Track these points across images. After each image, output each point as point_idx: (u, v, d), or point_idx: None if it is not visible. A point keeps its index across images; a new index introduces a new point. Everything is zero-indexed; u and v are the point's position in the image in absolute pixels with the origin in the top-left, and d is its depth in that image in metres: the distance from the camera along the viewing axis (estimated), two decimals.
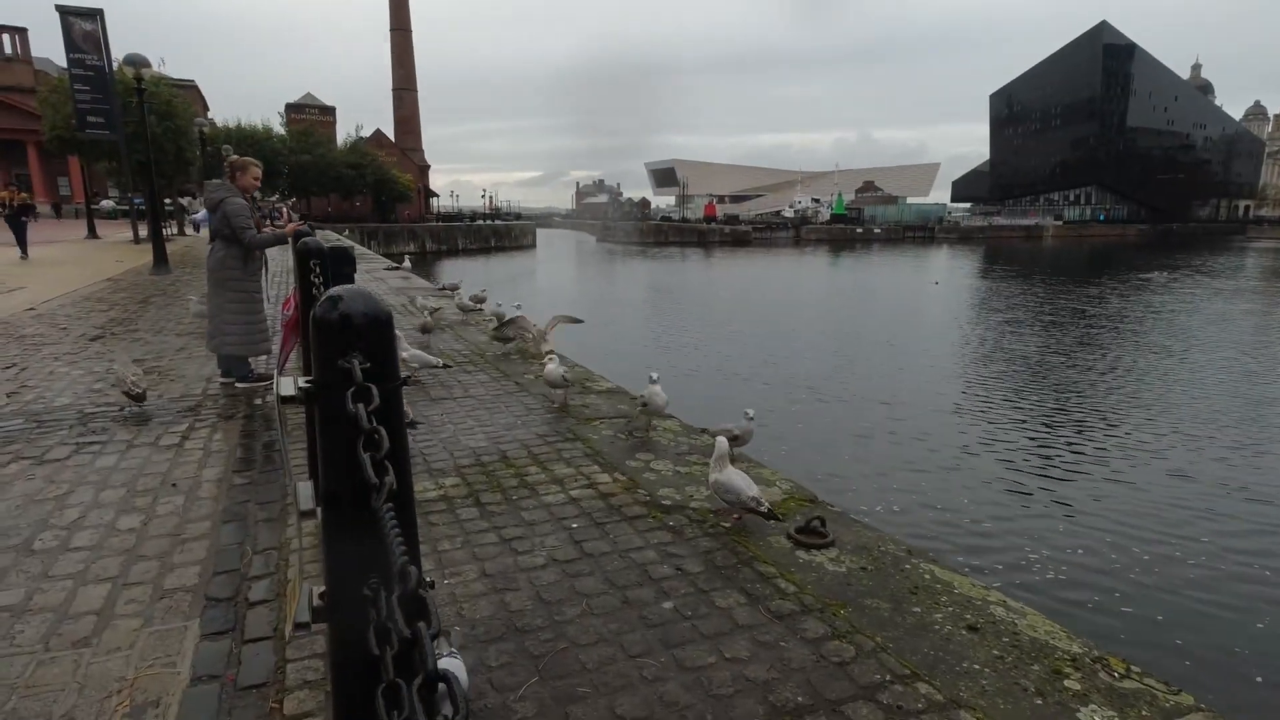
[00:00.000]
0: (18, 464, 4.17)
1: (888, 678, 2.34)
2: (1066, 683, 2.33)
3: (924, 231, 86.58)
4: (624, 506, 3.66)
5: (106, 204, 46.14)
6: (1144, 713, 2.19)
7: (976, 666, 2.40)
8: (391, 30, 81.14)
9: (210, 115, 46.81)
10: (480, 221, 70.25)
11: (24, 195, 19.43)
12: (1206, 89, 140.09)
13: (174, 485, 3.89)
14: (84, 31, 16.04)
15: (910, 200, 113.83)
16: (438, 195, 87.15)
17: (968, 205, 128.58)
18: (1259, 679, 4.83)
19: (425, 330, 7.72)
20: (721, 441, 3.48)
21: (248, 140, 47.27)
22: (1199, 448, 9.60)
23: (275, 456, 4.36)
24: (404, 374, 1.26)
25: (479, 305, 10.06)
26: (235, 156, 6.09)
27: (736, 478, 3.32)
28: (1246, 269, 45.61)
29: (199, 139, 28.69)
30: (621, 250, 66.72)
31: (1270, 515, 7.48)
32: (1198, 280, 35.98)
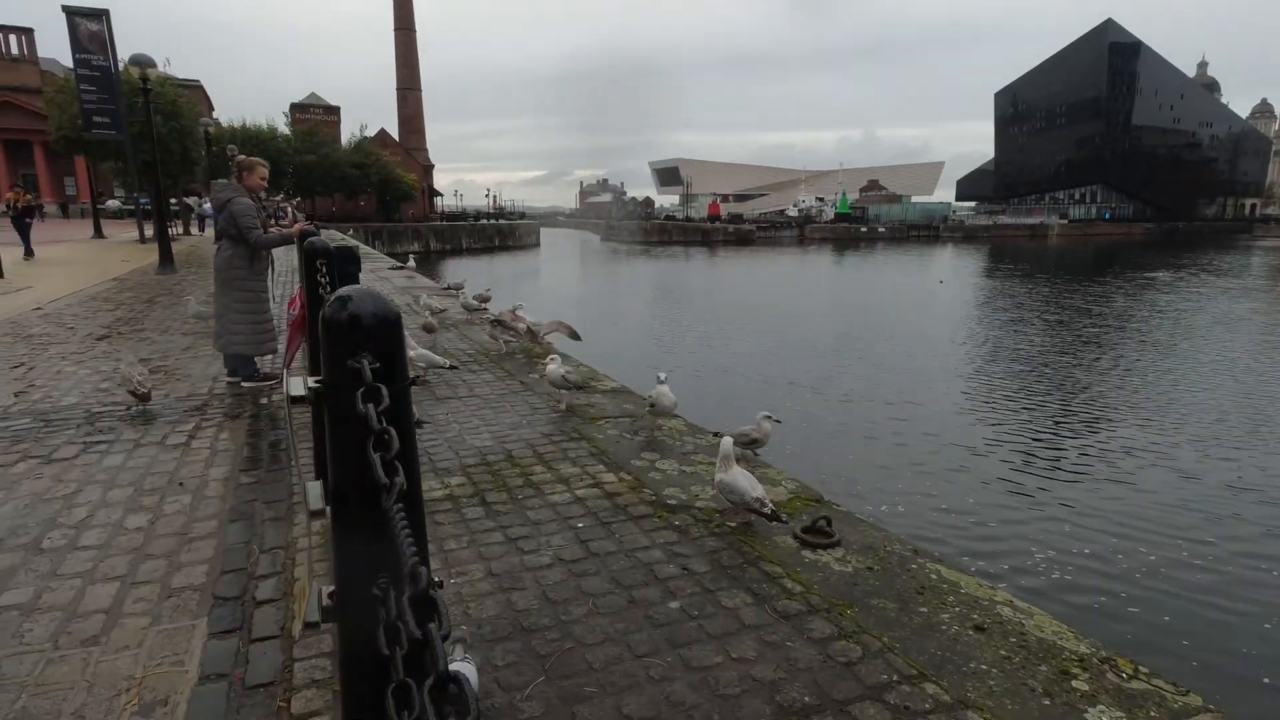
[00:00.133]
0: (26, 463, 4.19)
1: (895, 678, 2.33)
2: (1074, 683, 2.32)
3: (928, 230, 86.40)
4: (630, 506, 3.66)
5: (112, 204, 46.28)
6: (1152, 713, 2.19)
7: (984, 667, 2.40)
8: (396, 30, 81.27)
9: (215, 115, 46.99)
10: (484, 221, 70.27)
11: (29, 196, 19.40)
12: (1213, 87, 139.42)
13: (181, 484, 3.90)
14: (90, 32, 16.12)
15: (915, 199, 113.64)
16: (442, 195, 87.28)
17: (972, 204, 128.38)
18: (1266, 680, 4.81)
19: (428, 330, 7.73)
20: (726, 441, 3.48)
21: (253, 140, 47.36)
22: (1206, 448, 9.56)
23: (281, 456, 4.37)
24: (411, 374, 1.26)
25: (484, 305, 10.08)
26: (242, 156, 6.10)
27: (741, 478, 3.31)
28: (1253, 268, 45.38)
29: (204, 139, 28.75)
30: (625, 249, 66.73)
31: (1278, 516, 7.45)
32: (1203, 279, 35.82)
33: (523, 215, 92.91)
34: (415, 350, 5.96)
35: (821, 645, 2.51)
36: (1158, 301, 26.59)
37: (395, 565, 1.08)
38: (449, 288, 12.89)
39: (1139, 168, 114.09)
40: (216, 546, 3.20)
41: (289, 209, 29.53)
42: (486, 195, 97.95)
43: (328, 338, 1.15)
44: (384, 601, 1.04)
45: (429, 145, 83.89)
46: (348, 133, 66.34)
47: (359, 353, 1.13)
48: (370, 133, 67.10)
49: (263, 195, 6.10)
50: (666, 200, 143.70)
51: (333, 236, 19.03)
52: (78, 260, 18.61)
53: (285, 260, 14.47)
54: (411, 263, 17.69)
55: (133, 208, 32.31)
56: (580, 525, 3.43)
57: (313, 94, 71.50)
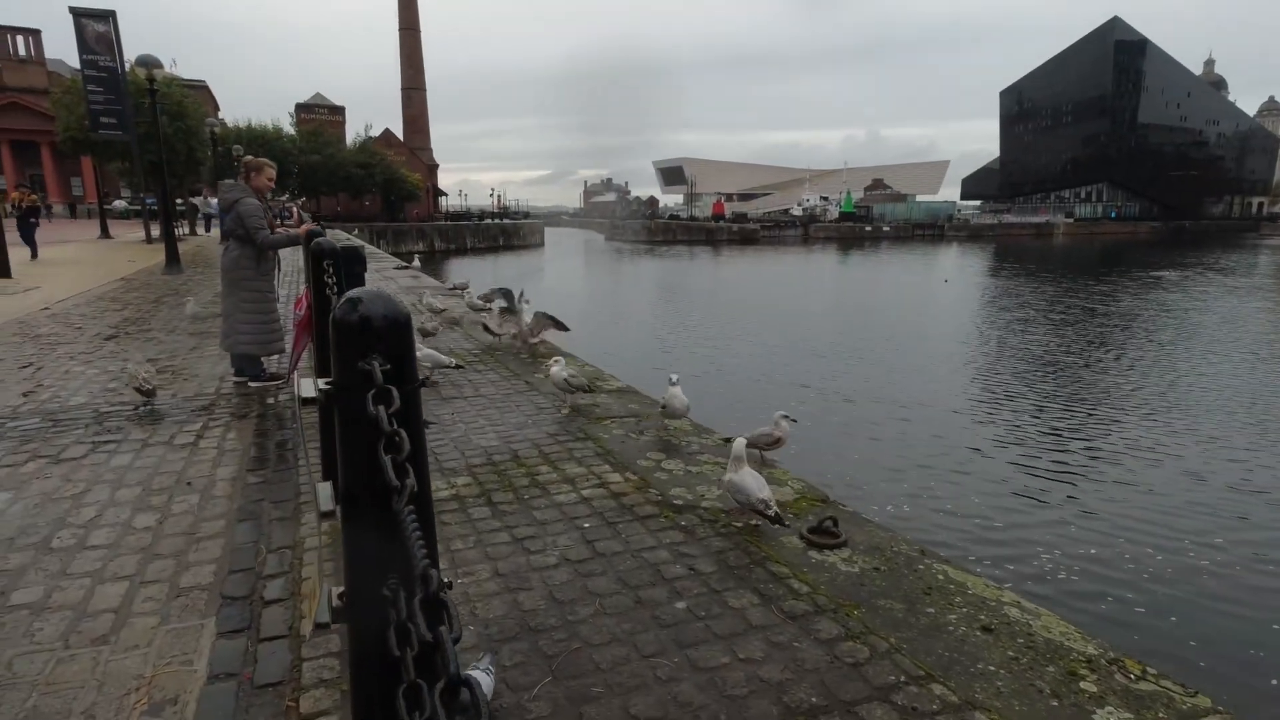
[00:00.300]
0: (35, 463, 4.21)
1: (902, 679, 2.33)
2: (1082, 684, 2.31)
3: (933, 229, 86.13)
4: (636, 506, 3.66)
5: (119, 204, 46.50)
6: (1160, 714, 2.18)
7: (991, 668, 2.39)
8: (400, 30, 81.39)
9: (221, 115, 47.13)
10: (488, 220, 70.33)
11: (34, 196, 19.34)
12: (1220, 85, 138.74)
13: (189, 484, 3.92)
14: (97, 33, 16.18)
15: (919, 198, 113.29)
16: (446, 194, 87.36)
17: (977, 203, 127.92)
18: (1275, 681, 4.79)
19: (424, 334, 7.73)
20: (739, 443, 3.48)
21: (258, 140, 47.52)
22: (1214, 449, 9.51)
23: (288, 455, 4.39)
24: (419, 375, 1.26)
25: (489, 305, 10.08)
26: (249, 157, 6.12)
27: (749, 479, 3.31)
28: (1260, 267, 45.16)
29: (210, 139, 28.85)
30: (629, 249, 66.71)
31: None
32: (1210, 278, 35.65)
33: (527, 215, 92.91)
34: (421, 350, 5.97)
35: (829, 646, 2.50)
36: (1164, 301, 26.46)
37: (405, 566, 1.08)
38: (454, 288, 12.91)
39: (1145, 166, 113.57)
40: (224, 546, 3.21)
41: (294, 209, 29.62)
42: (491, 195, 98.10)
43: (338, 339, 1.15)
44: (394, 602, 1.05)
45: (433, 145, 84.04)
46: (353, 133, 66.60)
47: (369, 354, 1.13)
48: (375, 133, 67.28)
49: (269, 195, 6.12)
50: (671, 200, 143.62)
51: (338, 236, 19.10)
52: (85, 260, 18.69)
53: (291, 260, 14.48)
54: (416, 263, 17.73)
55: (139, 208, 32.46)
56: (586, 525, 3.43)
57: (318, 94, 71.66)
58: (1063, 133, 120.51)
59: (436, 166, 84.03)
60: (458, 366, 6.32)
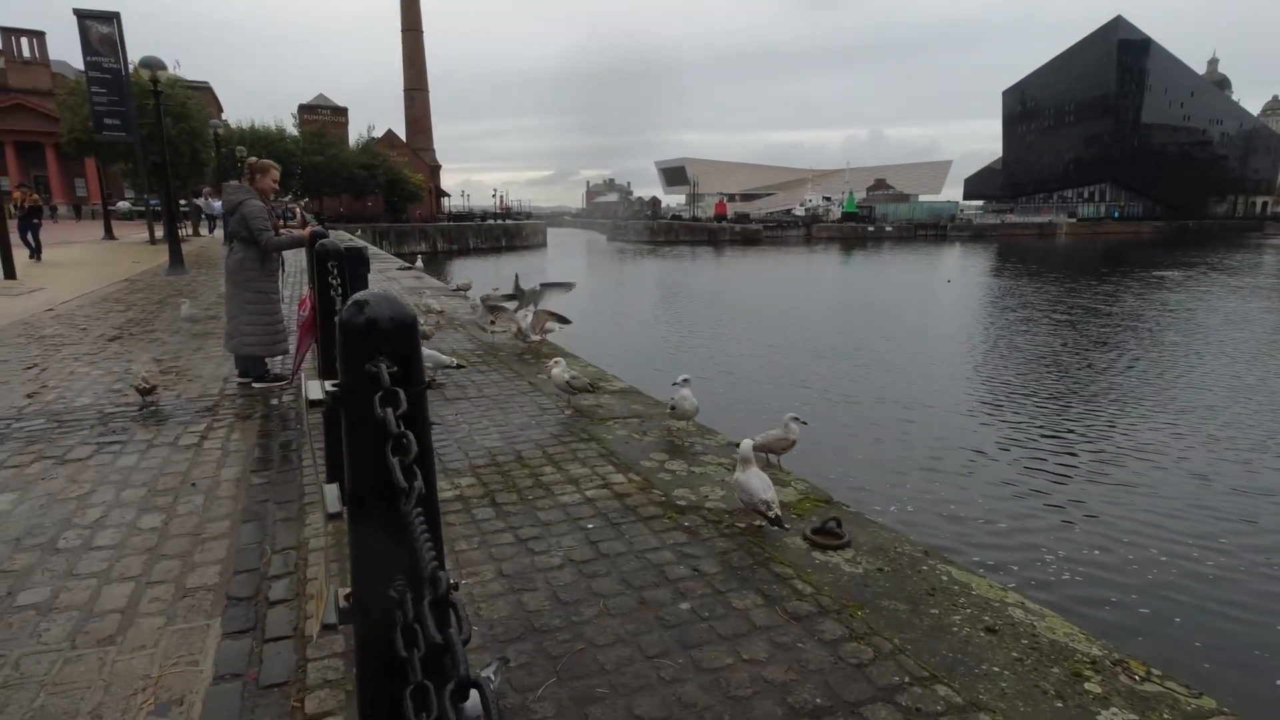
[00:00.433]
0: (40, 463, 4.23)
1: (906, 679, 2.33)
2: (1087, 685, 2.31)
3: (936, 230, 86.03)
4: (639, 507, 3.66)
5: (123, 205, 46.64)
6: (1165, 716, 2.18)
7: (996, 669, 2.39)
8: (403, 31, 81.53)
9: (224, 116, 47.18)
10: (491, 221, 70.40)
11: (35, 197, 19.25)
12: (1223, 84, 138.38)
13: (194, 485, 3.93)
14: (101, 35, 16.21)
15: (922, 198, 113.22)
16: (449, 195, 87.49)
17: (980, 203, 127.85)
18: (1279, 682, 4.78)
19: (423, 336, 7.75)
20: (746, 444, 3.48)
21: (261, 141, 47.62)
22: (1219, 450, 9.49)
23: (292, 456, 4.40)
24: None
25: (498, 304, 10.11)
26: (254, 159, 6.14)
27: (755, 479, 3.30)
28: (1264, 266, 45.03)
29: (214, 140, 28.93)
30: (632, 249, 66.73)
31: None
32: (1214, 278, 35.57)
33: (529, 215, 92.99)
34: (424, 350, 5.97)
35: (832, 647, 2.51)
36: (1168, 301, 26.41)
37: (412, 568, 1.09)
38: (458, 289, 12.93)
39: (1148, 166, 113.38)
40: (229, 547, 3.22)
41: (297, 210, 29.69)
42: (493, 195, 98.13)
43: (345, 341, 1.16)
44: (401, 604, 1.05)
45: (436, 145, 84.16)
46: (355, 133, 66.72)
47: (376, 356, 1.14)
48: (378, 133, 67.38)
49: (272, 196, 6.14)
50: (673, 200, 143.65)
51: (341, 237, 19.12)
52: (89, 261, 18.75)
53: (294, 261, 14.53)
54: (419, 263, 17.75)
55: (143, 209, 32.55)
56: (590, 526, 3.44)
57: (320, 95, 71.82)
58: (1066, 132, 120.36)
59: (439, 167, 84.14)
60: (459, 366, 6.33)
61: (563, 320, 7.37)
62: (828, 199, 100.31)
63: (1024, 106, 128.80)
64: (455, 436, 4.77)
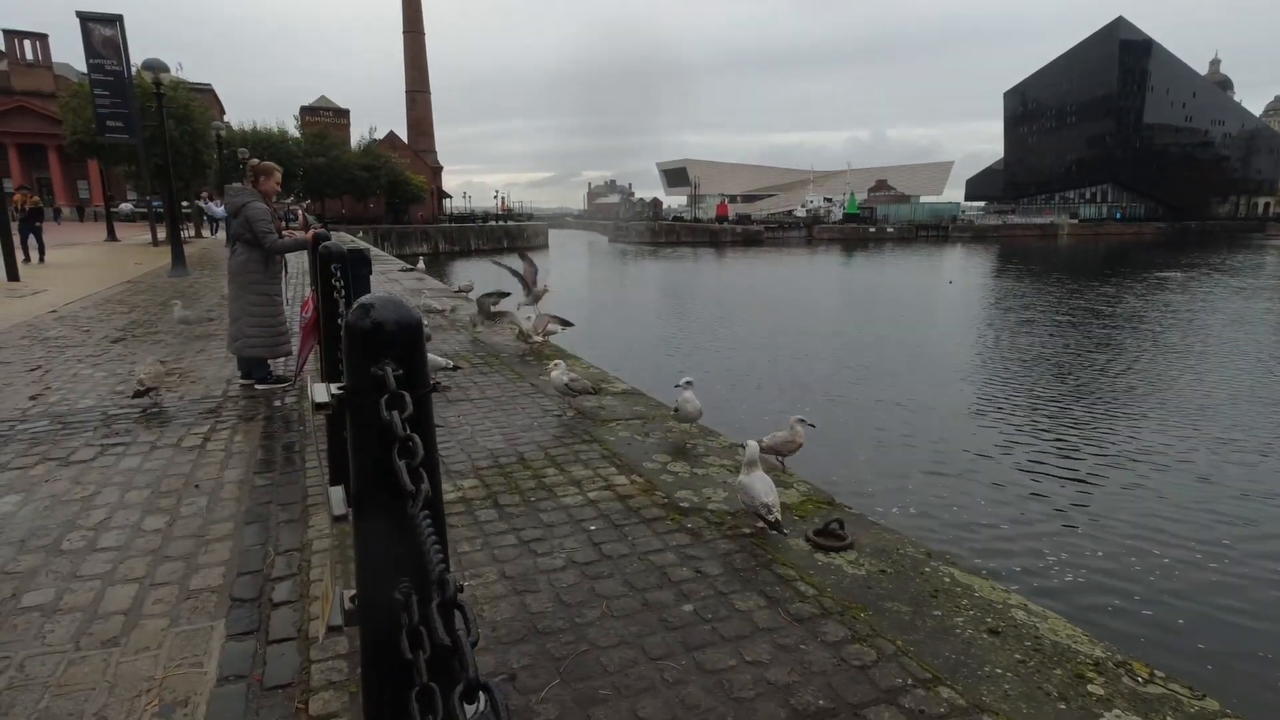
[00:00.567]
0: (44, 465, 4.24)
1: (909, 681, 2.33)
2: (1090, 687, 2.31)
3: (937, 230, 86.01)
4: (642, 509, 3.67)
5: (125, 207, 46.74)
6: (1168, 718, 2.18)
7: (999, 670, 2.39)
8: (404, 33, 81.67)
9: (226, 118, 47.29)
10: (493, 222, 70.49)
11: (36, 199, 19.11)
12: (1225, 85, 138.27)
13: (197, 486, 3.94)
14: (104, 37, 16.25)
15: (923, 199, 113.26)
16: (450, 196, 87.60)
17: (982, 204, 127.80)
18: None
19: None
20: (752, 446, 3.47)
21: (263, 143, 47.71)
22: (1221, 451, 9.48)
23: (295, 458, 4.41)
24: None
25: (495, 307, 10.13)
26: (256, 161, 6.15)
27: (758, 482, 3.29)
28: (1267, 267, 44.95)
29: (216, 142, 28.99)
30: (634, 250, 66.78)
31: None
32: (1216, 279, 35.53)
33: (531, 216, 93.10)
34: None
35: (835, 648, 2.51)
36: (1170, 302, 26.38)
37: (417, 569, 1.09)
38: (460, 290, 12.95)
39: (1150, 167, 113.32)
40: (233, 548, 3.23)
41: (299, 211, 29.76)
42: (495, 196, 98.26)
43: (350, 345, 1.16)
44: (406, 606, 1.06)
45: (438, 147, 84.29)
46: (357, 135, 66.86)
47: (381, 360, 1.14)
48: (379, 135, 67.51)
49: (274, 198, 6.15)
50: (674, 201, 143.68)
51: (342, 239, 19.14)
52: (91, 263, 18.79)
53: (296, 263, 14.55)
54: (421, 265, 17.77)
55: (145, 211, 32.61)
56: (593, 528, 3.44)
57: (322, 97, 71.99)
58: (1067, 133, 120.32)
59: (440, 169, 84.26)
60: (455, 368, 6.32)
61: (565, 323, 7.40)
62: (829, 200, 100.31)
63: (1025, 107, 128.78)
64: (458, 438, 4.78)
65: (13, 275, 13.29)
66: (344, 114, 71.55)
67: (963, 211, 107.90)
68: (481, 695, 0.76)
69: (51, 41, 52.15)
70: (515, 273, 8.13)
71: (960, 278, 38.52)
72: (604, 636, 2.56)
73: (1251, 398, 12.33)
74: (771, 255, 59.45)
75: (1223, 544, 6.71)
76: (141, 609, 2.73)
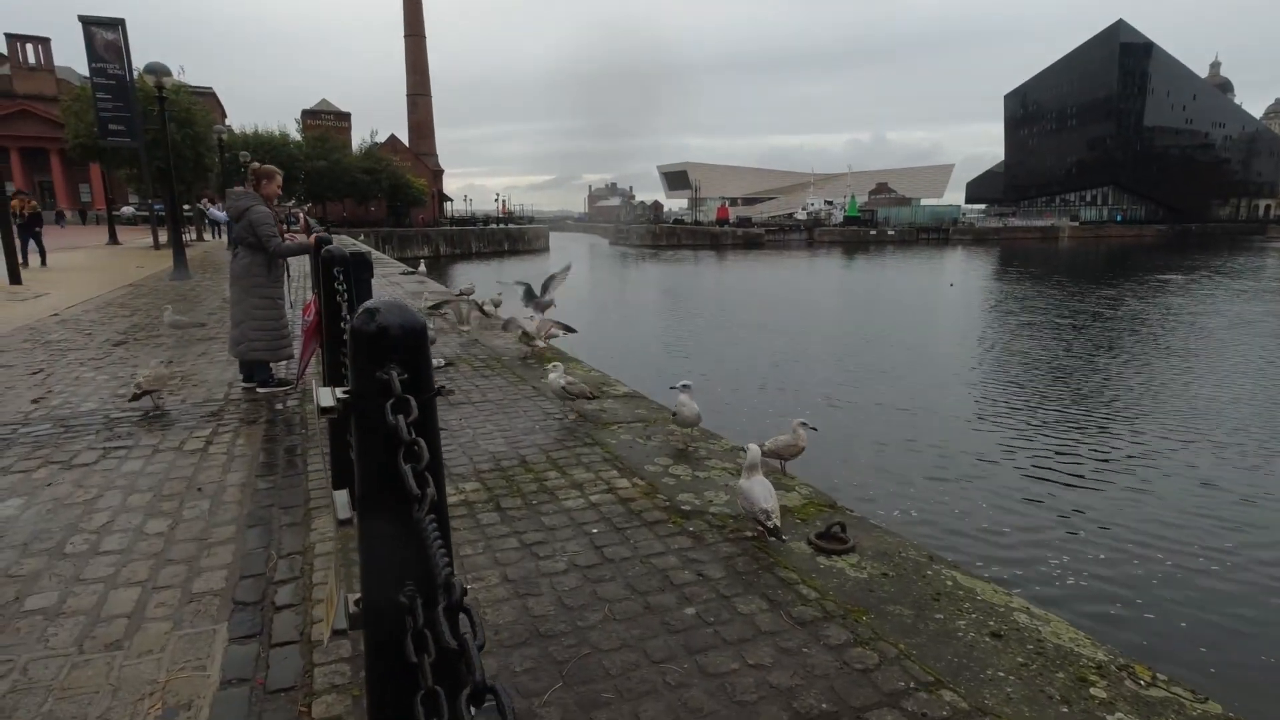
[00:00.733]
0: (47, 468, 4.24)
1: (912, 685, 2.33)
2: (1092, 690, 2.31)
3: (938, 233, 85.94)
4: (644, 512, 3.67)
5: (127, 210, 46.83)
6: None
7: (1001, 674, 2.39)
8: (406, 36, 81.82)
9: (228, 122, 47.38)
10: (494, 225, 70.57)
11: (34, 203, 18.99)
12: (1226, 87, 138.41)
13: (199, 490, 3.94)
14: (106, 41, 16.31)
15: (924, 202, 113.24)
16: (451, 199, 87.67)
17: (982, 206, 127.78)
18: None
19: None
20: (754, 450, 3.47)
21: (265, 146, 47.82)
22: (1223, 454, 9.47)
23: (297, 461, 4.41)
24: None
25: (495, 308, 10.19)
26: (257, 164, 6.17)
27: (758, 487, 3.28)
28: (1267, 270, 44.92)
29: (218, 146, 29.05)
30: (634, 253, 66.82)
31: None
32: (1217, 281, 35.52)
33: (531, 219, 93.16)
34: None
35: (838, 652, 2.51)
36: (1171, 304, 26.37)
37: (422, 573, 1.10)
38: (461, 293, 12.95)
39: (1151, 169, 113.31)
40: (235, 552, 3.23)
41: (301, 215, 29.80)
42: (496, 199, 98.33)
43: (355, 349, 1.17)
44: (411, 609, 1.06)
45: (439, 150, 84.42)
46: (358, 138, 66.99)
47: (386, 364, 1.15)
48: (381, 138, 67.64)
49: (275, 202, 6.17)
50: (675, 204, 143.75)
51: (344, 242, 19.15)
52: (93, 266, 18.82)
53: (298, 266, 14.57)
54: (422, 267, 17.79)
55: (147, 214, 32.68)
56: (595, 531, 3.44)
57: (324, 100, 72.15)
58: (1068, 136, 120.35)
59: (441, 172, 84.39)
60: (447, 364, 6.32)
61: (568, 329, 7.43)
62: (830, 203, 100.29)
63: (1026, 110, 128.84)
64: (459, 441, 4.78)
65: (15, 278, 13.31)
66: (345, 117, 71.70)
67: (963, 214, 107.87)
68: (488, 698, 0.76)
69: (54, 45, 52.34)
70: (532, 293, 7.97)
71: (961, 280, 38.51)
72: (606, 639, 2.57)
73: (1253, 401, 12.32)
74: (772, 258, 59.47)
75: (1225, 547, 6.70)
76: (144, 612, 2.73)
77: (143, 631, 2.61)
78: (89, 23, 16.12)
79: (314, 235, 5.82)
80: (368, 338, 1.15)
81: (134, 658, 2.45)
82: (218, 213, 25.17)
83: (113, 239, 27.14)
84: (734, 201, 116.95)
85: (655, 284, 39.84)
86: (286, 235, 6.38)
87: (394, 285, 14.89)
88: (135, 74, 17.52)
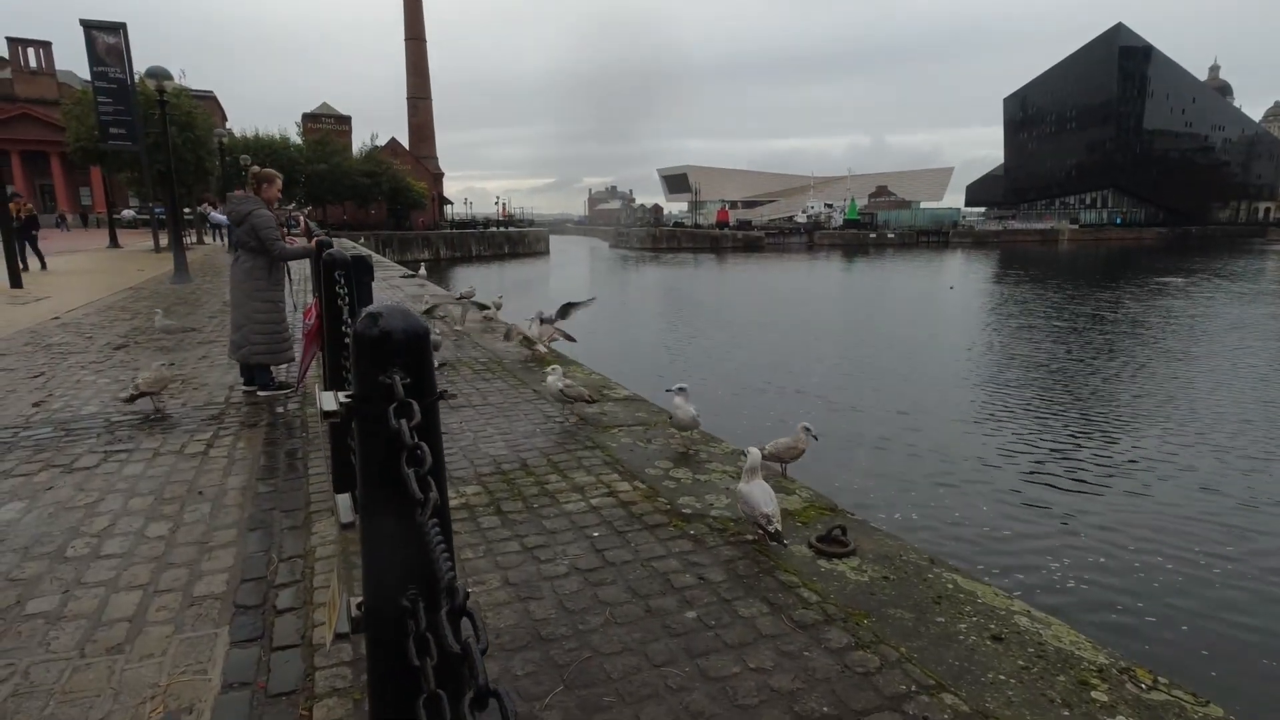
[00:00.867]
0: (48, 472, 4.25)
1: (913, 688, 2.33)
2: (1094, 693, 2.31)
3: (938, 236, 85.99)
4: (645, 515, 3.67)
5: (127, 213, 46.89)
6: None
7: (1002, 677, 2.39)
8: (406, 39, 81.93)
9: (228, 125, 47.53)
10: (494, 228, 70.64)
11: (30, 207, 18.83)
12: (1225, 90, 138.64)
13: (200, 493, 3.94)
14: (107, 45, 16.35)
15: (924, 204, 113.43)
16: (451, 202, 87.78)
17: (982, 209, 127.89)
18: None
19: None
20: (754, 453, 3.47)
21: (265, 150, 47.87)
22: (1224, 458, 9.46)
23: (298, 464, 4.41)
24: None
25: (496, 310, 10.22)
26: (257, 168, 6.18)
27: (758, 491, 3.28)
28: (1267, 272, 44.95)
29: (218, 149, 29.10)
30: (634, 256, 66.89)
31: None
32: (1217, 284, 35.53)
33: (532, 222, 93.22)
34: None
35: (839, 655, 2.51)
36: (1171, 307, 26.38)
37: (424, 577, 1.10)
38: (461, 297, 12.96)
39: (1150, 172, 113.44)
40: (236, 555, 3.23)
41: (301, 218, 29.84)
42: (496, 202, 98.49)
43: (358, 353, 1.17)
44: (414, 613, 1.06)
45: (439, 153, 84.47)
46: (359, 142, 67.01)
47: (389, 368, 1.15)
48: (381, 141, 67.69)
49: (275, 205, 6.18)
50: (675, 207, 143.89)
51: (344, 245, 19.16)
52: (94, 270, 18.84)
53: (298, 270, 14.56)
54: (422, 271, 17.81)
55: (147, 217, 32.73)
56: (596, 534, 3.44)
57: (324, 104, 72.17)
58: (1067, 139, 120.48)
59: (442, 175, 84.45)
60: (442, 365, 6.33)
61: (568, 338, 7.46)
62: (830, 206, 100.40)
63: (1026, 113, 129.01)
64: (460, 444, 4.79)
65: (15, 282, 13.32)
66: (345, 120, 71.74)
67: (963, 217, 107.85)
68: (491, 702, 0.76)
69: (55, 49, 52.39)
70: (546, 319, 7.88)
71: (961, 283, 38.52)
72: (607, 643, 2.57)
73: (1254, 404, 12.32)
74: (772, 261, 59.50)
75: (1225, 551, 6.70)
76: (145, 616, 2.74)
77: (144, 635, 2.61)
78: (90, 26, 16.16)
79: (315, 239, 5.82)
80: (371, 342, 1.16)
81: (135, 661, 2.45)
82: (218, 216, 25.22)
83: (113, 242, 27.17)
84: (734, 204, 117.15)
85: (656, 287, 39.86)
86: (287, 239, 6.39)
87: (394, 288, 14.91)
88: (136, 78, 17.56)
